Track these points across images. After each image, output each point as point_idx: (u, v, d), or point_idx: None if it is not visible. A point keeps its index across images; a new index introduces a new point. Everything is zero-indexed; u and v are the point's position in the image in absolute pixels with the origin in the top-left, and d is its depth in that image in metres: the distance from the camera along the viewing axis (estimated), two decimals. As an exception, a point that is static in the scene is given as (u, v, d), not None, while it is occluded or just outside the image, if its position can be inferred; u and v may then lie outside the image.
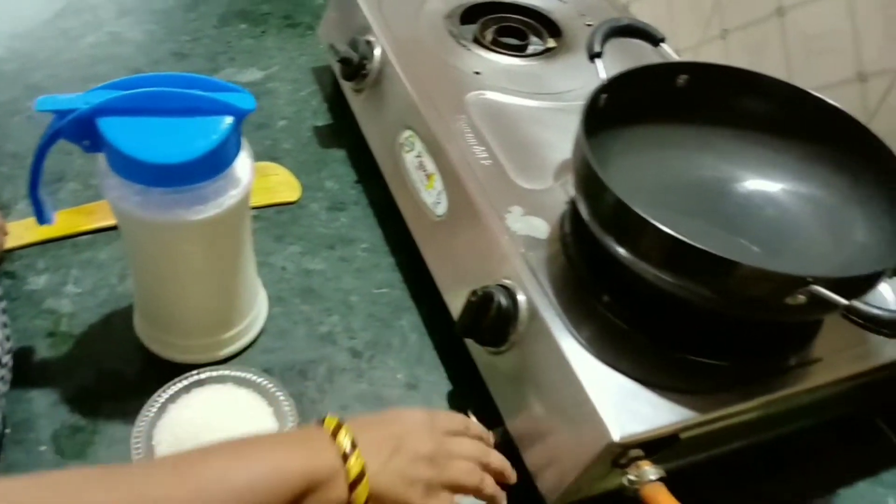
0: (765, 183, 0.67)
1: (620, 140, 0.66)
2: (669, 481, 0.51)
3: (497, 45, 0.85)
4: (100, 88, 0.52)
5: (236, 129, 0.53)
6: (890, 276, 0.54)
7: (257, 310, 0.66)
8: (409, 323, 0.70)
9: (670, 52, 0.72)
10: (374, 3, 0.86)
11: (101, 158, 0.53)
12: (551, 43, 0.88)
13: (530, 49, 0.87)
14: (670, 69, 0.68)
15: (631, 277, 0.59)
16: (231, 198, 0.55)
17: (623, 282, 0.59)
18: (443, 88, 0.77)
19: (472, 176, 0.67)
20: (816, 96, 0.63)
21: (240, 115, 0.53)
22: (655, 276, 0.53)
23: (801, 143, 0.65)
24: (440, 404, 0.65)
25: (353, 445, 0.47)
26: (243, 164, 0.56)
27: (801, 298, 0.49)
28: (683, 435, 0.53)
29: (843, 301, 0.47)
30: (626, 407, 0.52)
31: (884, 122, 0.64)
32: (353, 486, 0.46)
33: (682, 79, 0.67)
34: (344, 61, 0.82)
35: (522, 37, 0.88)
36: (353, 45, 0.83)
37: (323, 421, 0.48)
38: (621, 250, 0.55)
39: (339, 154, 0.87)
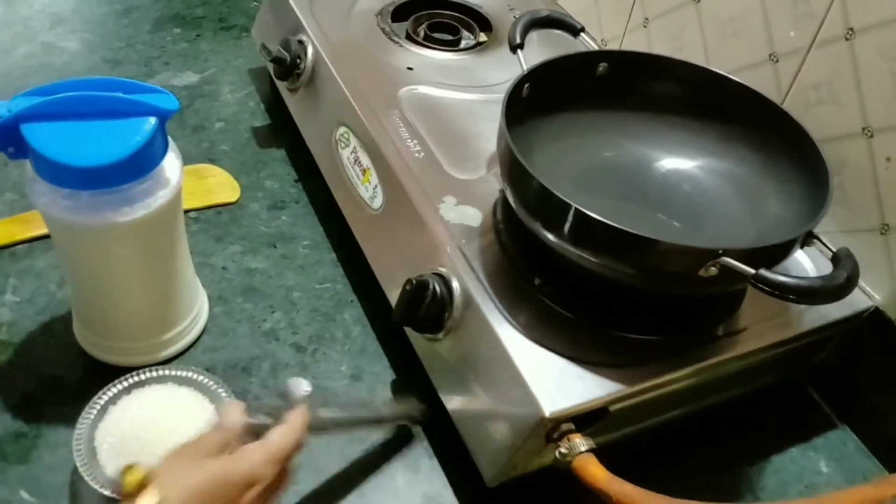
0: (683, 162, 0.69)
1: (544, 128, 0.68)
2: (604, 453, 0.53)
3: (429, 41, 0.87)
4: (22, 95, 0.52)
5: (161, 130, 0.54)
6: (801, 246, 0.56)
7: (197, 310, 0.66)
8: (352, 316, 0.71)
9: (590, 41, 0.74)
10: (306, 4, 0.87)
11: (27, 165, 0.53)
12: (483, 37, 0.90)
13: (462, 43, 0.88)
14: (590, 58, 0.71)
15: (559, 260, 0.61)
16: (160, 198, 0.55)
17: (552, 265, 0.61)
18: (376, 85, 0.78)
19: (405, 168, 0.69)
20: (731, 79, 0.66)
21: (163, 116, 0.54)
22: (579, 257, 0.55)
23: (717, 125, 0.68)
24: (384, 393, 0.66)
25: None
26: (171, 165, 0.57)
27: (713, 270, 0.51)
28: (613, 407, 0.55)
29: (751, 270, 0.49)
30: (557, 384, 0.54)
31: (796, 101, 0.67)
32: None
33: (601, 67, 0.69)
34: (276, 61, 0.82)
35: (454, 32, 0.89)
36: (286, 45, 0.83)
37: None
38: (548, 234, 0.56)
39: (279, 154, 0.88)
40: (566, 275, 0.61)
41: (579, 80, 0.68)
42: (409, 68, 0.82)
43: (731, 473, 0.65)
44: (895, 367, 0.64)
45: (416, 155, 0.71)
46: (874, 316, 0.64)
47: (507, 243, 0.63)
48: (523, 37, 0.71)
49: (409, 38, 0.87)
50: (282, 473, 0.49)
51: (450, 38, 0.88)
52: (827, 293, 0.49)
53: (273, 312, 0.70)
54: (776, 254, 0.54)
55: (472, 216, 0.66)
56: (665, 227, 0.64)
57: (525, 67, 0.66)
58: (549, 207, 0.55)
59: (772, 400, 0.70)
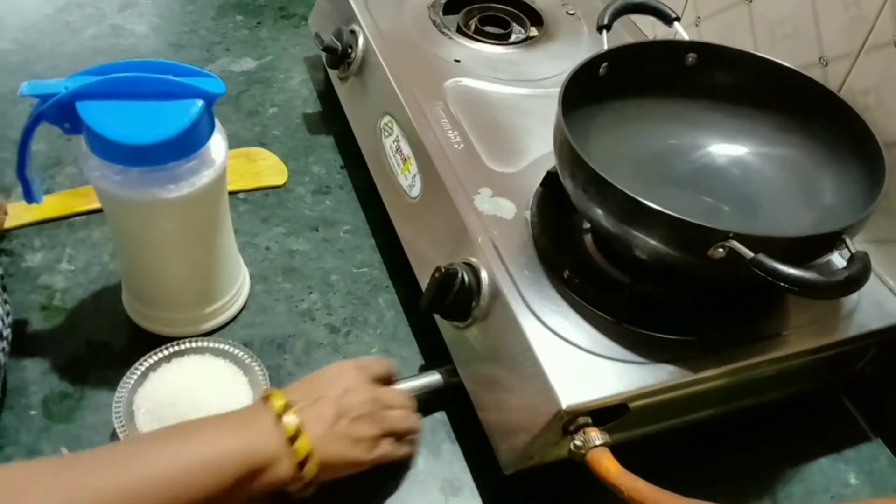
0: (739, 149, 0.69)
1: (608, 112, 0.68)
2: (628, 450, 0.53)
3: (479, 34, 0.88)
4: (80, 74, 0.55)
5: (207, 112, 0.56)
6: (832, 249, 0.55)
7: (239, 286, 0.69)
8: (387, 301, 0.73)
9: (682, 32, 0.72)
10: (361, -8, 0.89)
11: (81, 141, 0.56)
12: (533, 31, 0.90)
13: (513, 37, 0.89)
14: (677, 47, 0.70)
15: (588, 255, 0.62)
16: (204, 177, 0.58)
17: (582, 259, 0.62)
18: (422, 76, 0.79)
19: (444, 159, 0.70)
20: (790, 67, 0.65)
21: (210, 99, 0.56)
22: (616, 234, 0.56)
23: (776, 113, 0.67)
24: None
25: (298, 429, 0.49)
26: (217, 146, 0.59)
27: (721, 252, 0.51)
28: (633, 404, 0.56)
29: (749, 254, 0.49)
30: (577, 378, 0.55)
31: (845, 104, 0.66)
32: (301, 464, 0.49)
33: (691, 57, 0.68)
34: (328, 50, 0.85)
35: (505, 25, 0.90)
36: (338, 34, 0.86)
37: (267, 398, 0.51)
38: (598, 212, 0.56)
39: (327, 140, 0.90)
40: (593, 268, 0.61)
41: (663, 68, 0.68)
42: (457, 60, 0.83)
43: (756, 479, 0.64)
44: (933, 382, 0.63)
45: (456, 146, 0.72)
46: (913, 329, 0.63)
47: (538, 237, 0.64)
48: (612, 19, 0.71)
49: (459, 30, 0.88)
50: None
51: (500, 31, 0.89)
52: (824, 287, 0.48)
53: (310, 293, 0.73)
54: (795, 249, 0.53)
55: (507, 208, 0.67)
56: (715, 210, 0.64)
57: (606, 46, 0.66)
58: (604, 193, 0.55)
59: (805, 408, 0.69)
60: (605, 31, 0.68)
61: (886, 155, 0.62)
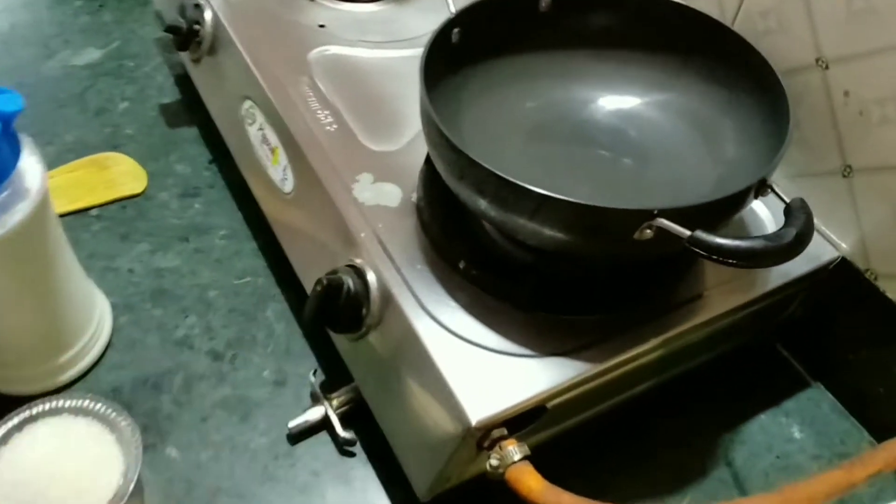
0: (633, 100, 0.62)
1: (479, 78, 0.61)
2: (553, 444, 0.47)
3: (344, -8, 0.78)
4: None
5: (6, 135, 0.46)
6: (755, 196, 0.50)
7: (96, 325, 0.60)
8: (276, 312, 0.65)
9: None
10: (203, -39, 0.78)
11: None
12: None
13: (384, -9, 0.80)
14: None
15: (487, 238, 0.55)
16: (18, 213, 0.48)
17: (480, 244, 0.55)
18: (282, 49, 0.70)
19: (315, 145, 0.61)
20: (677, 3, 0.59)
21: (6, 118, 0.46)
22: (509, 227, 0.49)
23: (666, 57, 0.61)
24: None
25: None
26: (31, 171, 0.49)
27: (649, 233, 0.45)
28: (552, 403, 0.50)
29: (686, 232, 0.43)
30: (485, 385, 0.48)
31: (744, 30, 0.59)
32: None
33: (544, 3, 0.61)
34: (171, 30, 0.74)
35: (372, -23, 0.81)
36: (182, 10, 0.75)
37: None
38: (476, 203, 0.49)
39: (190, 133, 0.80)
40: (493, 253, 0.54)
41: (518, 20, 0.60)
42: (321, 26, 0.73)
43: (694, 449, 0.60)
44: (867, 318, 0.59)
45: (328, 128, 0.63)
46: (841, 266, 0.58)
47: (429, 222, 0.57)
48: None
49: (322, -10, 0.79)
50: None
51: (369, -15, 0.80)
52: (773, 254, 0.42)
53: (186, 317, 0.64)
54: (723, 210, 0.48)
55: (391, 194, 0.59)
56: (615, 173, 0.58)
57: (453, 9, 0.58)
58: (473, 175, 0.48)
59: (736, 362, 0.64)
60: None
61: (792, 83, 0.57)
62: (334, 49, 0.71)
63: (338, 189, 0.58)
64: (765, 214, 0.60)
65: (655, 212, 0.44)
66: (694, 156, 0.58)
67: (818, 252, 0.58)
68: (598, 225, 0.46)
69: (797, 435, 0.61)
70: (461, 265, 0.54)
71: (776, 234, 0.42)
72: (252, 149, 0.68)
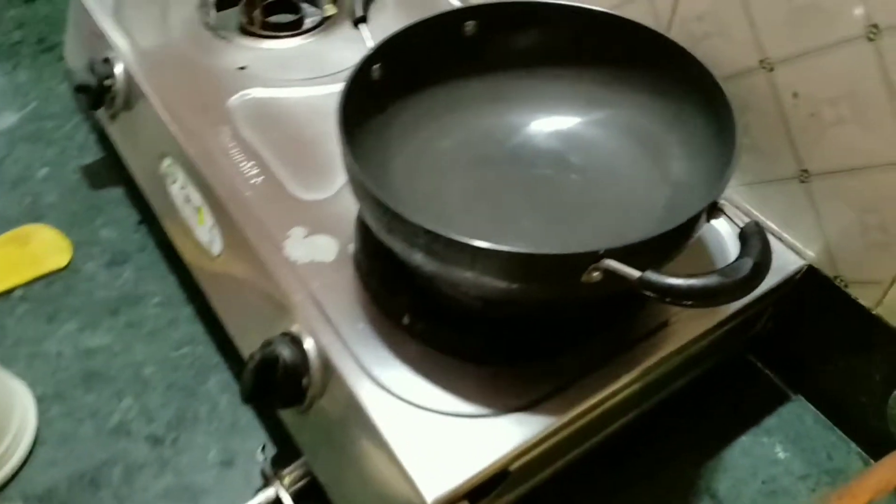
0: (569, 120, 0.58)
1: (407, 113, 0.57)
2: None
3: (266, 29, 0.74)
4: None
5: None
6: (707, 220, 0.46)
7: (18, 423, 0.55)
8: (218, 383, 0.60)
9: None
10: (109, 10, 0.73)
11: None
12: (330, 9, 0.77)
13: (307, 23, 0.75)
14: (454, 17, 0.58)
15: (431, 288, 0.51)
16: None
17: (424, 295, 0.51)
18: (200, 98, 0.65)
19: (240, 202, 0.57)
20: (595, 10, 0.55)
21: None
22: (447, 284, 0.45)
23: (604, 69, 0.57)
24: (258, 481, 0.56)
25: None
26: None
27: (597, 275, 0.41)
28: (516, 465, 0.46)
29: (635, 273, 0.39)
30: (439, 455, 0.44)
31: (682, 37, 0.56)
32: None
33: (469, 26, 0.58)
34: (81, 89, 0.69)
35: (296, 10, 0.76)
36: (90, 66, 0.70)
37: None
38: (409, 257, 0.45)
39: (116, 193, 0.75)
40: (439, 304, 0.50)
41: (443, 48, 0.57)
42: (242, 68, 0.69)
43: (674, 477, 0.56)
44: (842, 327, 0.55)
45: (254, 181, 0.59)
46: (809, 275, 0.55)
47: (368, 275, 0.52)
48: (367, 7, 0.59)
49: (242, 29, 0.74)
50: None
51: (291, 17, 0.75)
52: (730, 290, 0.39)
53: (121, 400, 0.59)
54: (673, 243, 0.44)
55: (326, 248, 0.55)
56: (561, 200, 0.54)
57: (371, 44, 0.54)
58: (402, 229, 0.44)
59: (712, 380, 0.60)
60: (363, 25, 0.56)
61: (738, 88, 0.54)
62: (256, 92, 0.66)
63: (267, 249, 0.54)
64: (725, 230, 0.57)
65: (602, 252, 0.40)
66: (643, 175, 0.54)
67: (783, 263, 0.55)
68: (541, 272, 0.42)
69: (781, 455, 0.57)
70: (405, 320, 0.50)
71: (731, 268, 0.39)
72: (176, 209, 0.63)
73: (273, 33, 0.73)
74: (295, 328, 0.50)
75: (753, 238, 0.40)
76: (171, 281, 0.67)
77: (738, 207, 0.58)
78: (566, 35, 0.57)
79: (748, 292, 0.39)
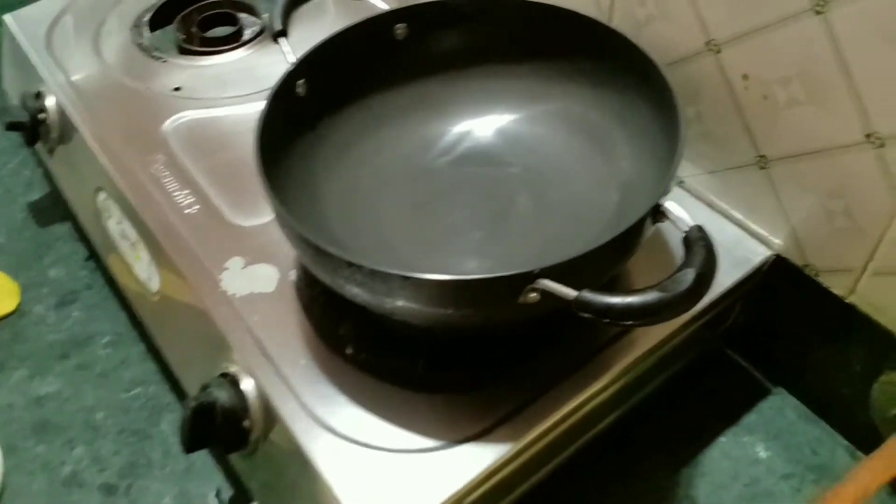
0: (517, 116, 0.55)
1: (339, 129, 0.54)
2: None
3: (203, 45, 0.71)
4: None
5: None
6: (652, 223, 0.43)
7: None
8: (172, 424, 0.58)
9: (377, 2, 0.59)
10: (42, 43, 0.70)
11: None
12: (268, 17, 0.74)
13: (245, 34, 0.72)
14: (383, 21, 0.55)
15: (371, 317, 0.48)
16: None
17: (366, 323, 0.48)
18: (133, 126, 0.62)
19: (173, 236, 0.54)
20: (528, 1, 0.52)
21: None
22: (385, 310, 0.42)
23: (544, 62, 0.54)
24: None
25: None
26: None
27: (534, 296, 0.38)
28: (471, 498, 0.43)
29: (572, 293, 0.36)
30: (390, 495, 0.41)
31: (624, 22, 0.53)
32: None
33: (400, 29, 0.54)
34: (14, 127, 0.66)
35: (233, 21, 0.73)
36: (23, 101, 0.67)
37: None
38: (344, 290, 0.42)
39: (63, 229, 0.72)
40: (382, 332, 0.48)
41: (373, 56, 0.54)
42: (176, 89, 0.66)
43: (649, 483, 0.53)
44: (817, 317, 0.52)
45: (189, 211, 0.56)
46: (778, 264, 0.52)
47: (309, 304, 0.50)
48: (286, 19, 0.56)
49: (179, 48, 0.71)
50: None
51: (230, 30, 0.72)
52: (672, 306, 0.35)
53: (73, 449, 0.57)
54: (615, 255, 0.41)
55: (266, 278, 0.52)
56: (509, 206, 0.51)
57: (292, 59, 0.51)
58: (323, 262, 0.41)
59: (686, 376, 0.57)
60: (283, 39, 0.53)
61: (686, 73, 0.51)
62: (192, 114, 0.63)
63: (203, 284, 0.51)
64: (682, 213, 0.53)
65: (536, 272, 0.38)
66: (592, 174, 0.51)
67: (749, 254, 0.52)
68: (474, 297, 0.39)
69: (763, 454, 0.54)
70: (349, 350, 0.47)
71: (673, 280, 0.35)
72: (115, 245, 0.61)
73: (211, 49, 0.70)
74: (233, 368, 0.48)
75: (696, 245, 0.37)
76: (121, 318, 0.65)
77: (699, 198, 0.55)
78: (503, 30, 0.54)
79: (693, 305, 0.36)
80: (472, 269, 0.50)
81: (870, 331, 0.48)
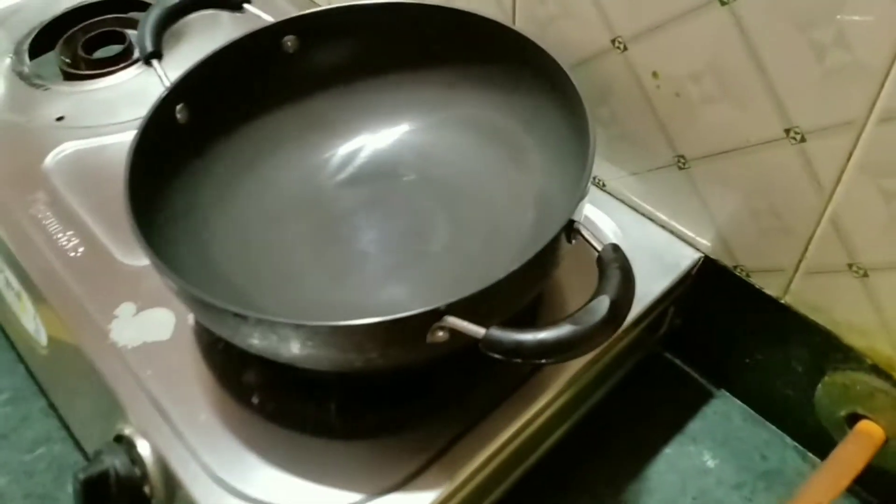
0: (422, 125, 0.51)
1: (225, 155, 0.50)
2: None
3: (90, 67, 0.66)
4: None
5: None
6: (568, 241, 0.39)
7: None
8: (78, 485, 0.53)
9: (262, 13, 0.54)
10: None
11: None
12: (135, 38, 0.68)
13: (136, 52, 0.67)
14: (270, 34, 0.51)
15: (276, 362, 0.44)
16: None
17: (271, 369, 0.44)
18: (12, 163, 0.57)
19: (55, 283, 0.49)
20: (424, 4, 0.48)
21: None
22: (286, 359, 0.38)
23: (448, 68, 0.50)
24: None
25: None
26: None
27: (442, 335, 0.35)
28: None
29: (480, 331, 0.33)
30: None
31: (527, 23, 0.50)
32: None
33: (289, 41, 0.50)
34: None
35: (121, 39, 0.68)
36: None
37: None
38: (238, 339, 0.38)
39: (-49, 278, 0.66)
40: (289, 379, 0.43)
41: (261, 73, 0.50)
42: (59, 119, 0.61)
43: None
44: (752, 318, 0.49)
45: (73, 254, 0.51)
46: (707, 266, 0.49)
47: (209, 351, 0.45)
48: (158, 40, 0.51)
49: (64, 73, 0.66)
50: None
51: (119, 48, 0.67)
52: (587, 339, 0.32)
53: (-30, 528, 0.52)
54: (528, 283, 0.38)
55: (161, 323, 0.47)
56: (421, 231, 0.48)
57: (167, 82, 0.47)
58: (207, 313, 0.37)
59: (624, 384, 0.54)
60: (156, 61, 0.48)
61: (594, 72, 0.47)
62: (75, 145, 0.58)
63: (90, 337, 0.46)
64: (609, 227, 0.51)
65: (443, 308, 0.34)
66: (507, 186, 0.48)
67: (677, 258, 0.49)
68: (376, 341, 0.35)
69: (711, 463, 0.52)
70: (255, 400, 0.43)
71: (586, 311, 0.32)
72: (2, 295, 0.55)
73: (99, 70, 0.65)
74: (128, 430, 0.43)
75: (610, 268, 0.34)
76: (18, 372, 0.59)
77: (624, 201, 0.53)
78: (399, 37, 0.50)
79: (610, 336, 0.33)
80: (389, 298, 0.46)
81: (808, 332, 0.46)
